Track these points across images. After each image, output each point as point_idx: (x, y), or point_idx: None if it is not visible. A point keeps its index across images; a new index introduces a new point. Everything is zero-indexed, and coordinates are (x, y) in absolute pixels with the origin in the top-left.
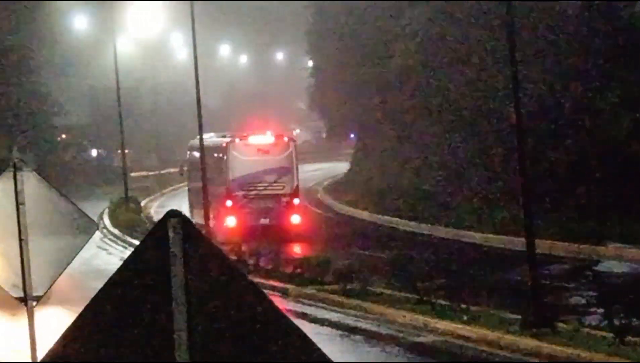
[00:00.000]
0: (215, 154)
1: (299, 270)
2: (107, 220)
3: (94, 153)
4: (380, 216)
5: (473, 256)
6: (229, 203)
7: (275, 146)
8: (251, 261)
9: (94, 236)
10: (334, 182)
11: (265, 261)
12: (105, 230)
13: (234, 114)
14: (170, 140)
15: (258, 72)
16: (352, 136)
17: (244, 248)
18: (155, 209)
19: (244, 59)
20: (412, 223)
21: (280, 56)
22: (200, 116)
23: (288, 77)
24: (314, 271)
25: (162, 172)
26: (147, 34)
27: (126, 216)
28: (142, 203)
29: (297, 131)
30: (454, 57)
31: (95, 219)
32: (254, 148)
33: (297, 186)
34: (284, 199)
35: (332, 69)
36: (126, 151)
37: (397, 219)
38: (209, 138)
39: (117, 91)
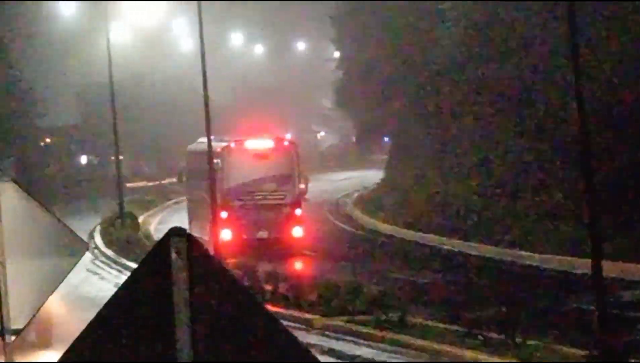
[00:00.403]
0: None
1: (324, 298)
2: (98, 239)
3: (83, 159)
4: (420, 233)
5: (530, 280)
6: (223, 214)
7: (274, 151)
8: (268, 287)
9: (84, 257)
10: (366, 194)
11: (285, 287)
12: (96, 251)
13: (247, 113)
14: (173, 144)
15: (275, 65)
16: (386, 139)
17: (259, 270)
18: (156, 226)
19: (259, 49)
20: (458, 241)
21: (301, 46)
22: (207, 116)
23: (311, 70)
24: (342, 298)
25: (163, 182)
26: (145, 20)
27: (121, 234)
28: (140, 219)
29: (322, 133)
30: (506, 47)
31: (85, 237)
32: (251, 154)
33: (299, 195)
34: (285, 210)
35: (363, 61)
36: (121, 157)
37: (440, 237)
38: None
39: (110, 87)
